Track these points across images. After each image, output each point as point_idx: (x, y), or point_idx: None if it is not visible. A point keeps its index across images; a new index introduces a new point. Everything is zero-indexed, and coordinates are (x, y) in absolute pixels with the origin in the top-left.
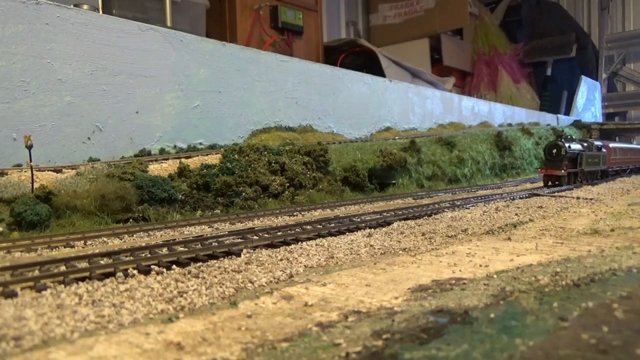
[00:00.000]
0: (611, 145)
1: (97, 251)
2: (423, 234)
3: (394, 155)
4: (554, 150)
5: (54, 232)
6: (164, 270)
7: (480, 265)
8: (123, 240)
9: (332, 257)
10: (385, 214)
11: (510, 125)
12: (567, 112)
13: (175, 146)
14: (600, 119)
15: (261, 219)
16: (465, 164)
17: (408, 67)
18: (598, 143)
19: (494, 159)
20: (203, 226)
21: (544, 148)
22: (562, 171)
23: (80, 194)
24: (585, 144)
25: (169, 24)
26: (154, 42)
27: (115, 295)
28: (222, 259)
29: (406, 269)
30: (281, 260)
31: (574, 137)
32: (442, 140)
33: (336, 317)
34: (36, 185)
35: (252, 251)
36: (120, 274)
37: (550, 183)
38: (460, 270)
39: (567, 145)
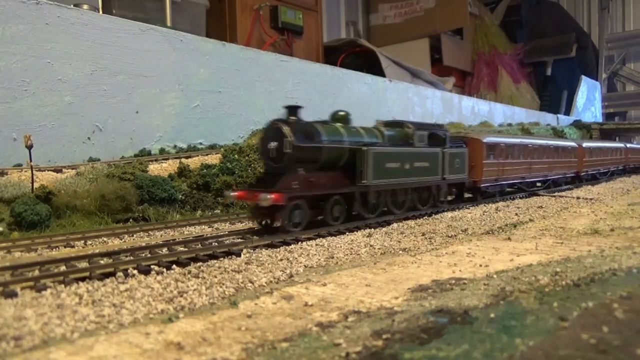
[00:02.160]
0: (495, 140)
1: (97, 251)
2: (423, 234)
3: None
4: (272, 145)
5: (54, 232)
6: (164, 270)
7: (480, 265)
8: (123, 240)
9: (332, 257)
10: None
11: (510, 125)
12: (567, 112)
13: (175, 146)
14: (600, 119)
15: None
16: None
17: (408, 67)
18: (439, 132)
19: None
20: (203, 226)
21: (261, 137)
22: (272, 196)
23: (80, 194)
24: (394, 131)
25: (169, 24)
26: (154, 42)
27: (115, 295)
28: (222, 259)
29: (406, 269)
30: (281, 260)
31: (352, 120)
32: None
33: (336, 317)
34: (36, 185)
35: (252, 251)
36: (120, 274)
37: (266, 222)
38: (460, 270)
39: (295, 132)
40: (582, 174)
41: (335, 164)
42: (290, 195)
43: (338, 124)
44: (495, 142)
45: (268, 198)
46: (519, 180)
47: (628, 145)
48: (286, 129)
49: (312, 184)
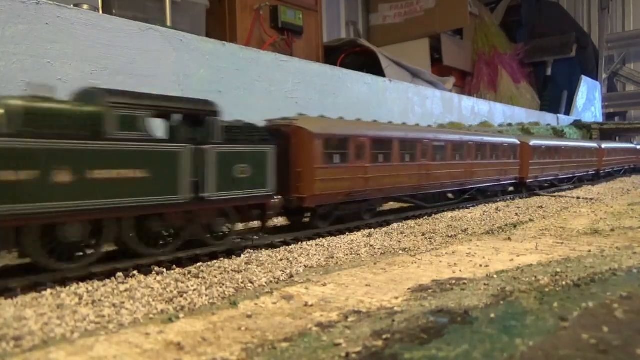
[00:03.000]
0: (344, 132)
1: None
2: (423, 234)
3: None
4: None
5: None
6: (164, 270)
7: (481, 265)
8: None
9: (332, 257)
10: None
11: (510, 125)
12: (567, 112)
13: None
14: (600, 119)
15: None
16: None
17: (408, 67)
18: (196, 115)
19: None
20: None
21: None
22: None
23: None
24: (59, 107)
25: (169, 24)
26: (154, 42)
27: (115, 295)
28: (222, 259)
29: (406, 269)
30: (281, 260)
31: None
32: None
33: (336, 317)
34: None
35: (252, 251)
36: (120, 274)
37: None
38: (460, 270)
39: None
40: (528, 180)
41: None
42: None
43: None
44: (345, 135)
45: None
46: (410, 193)
47: (603, 145)
48: None
49: None
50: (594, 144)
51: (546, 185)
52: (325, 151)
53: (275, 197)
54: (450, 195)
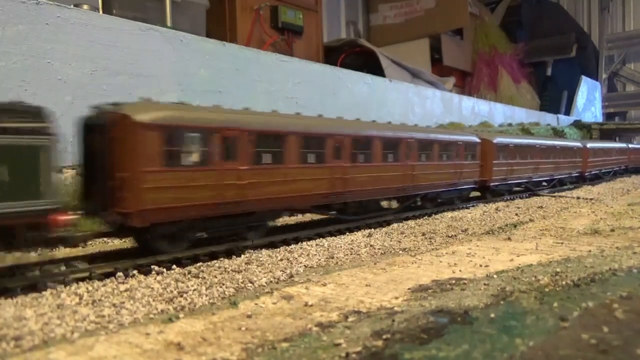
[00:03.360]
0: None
1: (97, 251)
2: (423, 234)
3: None
4: None
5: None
6: (164, 270)
7: (481, 265)
8: (123, 240)
9: (332, 257)
10: None
11: (510, 125)
12: (567, 112)
13: None
14: (600, 119)
15: None
16: None
17: (408, 67)
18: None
19: None
20: None
21: None
22: None
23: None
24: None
25: (169, 24)
26: (154, 42)
27: (116, 295)
28: (222, 259)
29: (406, 269)
30: (281, 260)
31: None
32: None
33: (336, 317)
34: None
35: (252, 251)
36: (120, 274)
37: None
38: (460, 270)
39: None
40: (492, 184)
41: None
42: None
43: None
44: (202, 127)
45: None
46: (320, 203)
47: (589, 144)
48: None
49: None
50: (577, 143)
51: (520, 188)
52: (165, 148)
53: (68, 213)
54: (385, 204)
